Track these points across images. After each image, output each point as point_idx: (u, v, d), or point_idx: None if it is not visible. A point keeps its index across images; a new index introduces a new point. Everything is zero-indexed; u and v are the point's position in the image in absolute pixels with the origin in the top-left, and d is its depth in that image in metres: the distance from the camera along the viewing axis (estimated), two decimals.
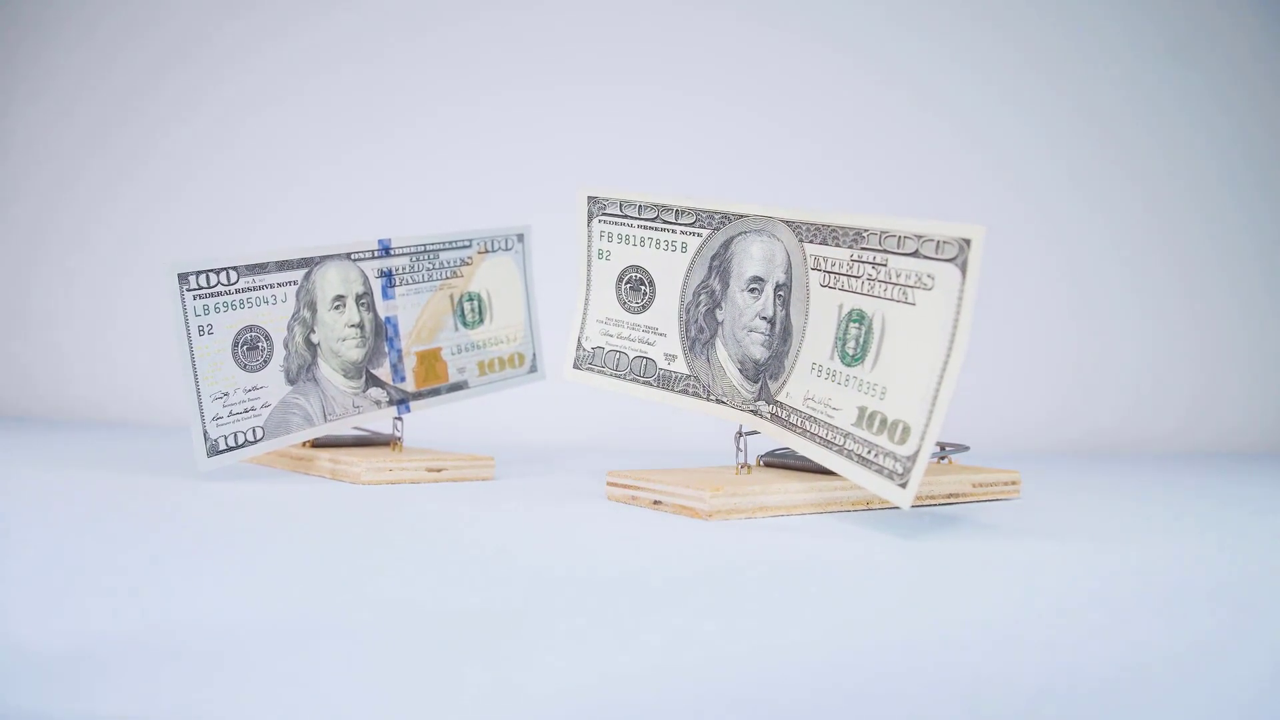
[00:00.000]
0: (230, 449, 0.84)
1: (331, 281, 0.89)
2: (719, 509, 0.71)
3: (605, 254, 0.82)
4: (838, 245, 0.69)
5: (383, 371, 0.92)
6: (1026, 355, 1.50)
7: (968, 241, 0.61)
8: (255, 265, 0.85)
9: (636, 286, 0.81)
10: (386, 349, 0.93)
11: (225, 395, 0.83)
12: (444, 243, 0.95)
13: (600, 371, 0.82)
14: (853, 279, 0.68)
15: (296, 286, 0.87)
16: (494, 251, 0.97)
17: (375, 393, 0.92)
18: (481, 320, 0.97)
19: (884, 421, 0.65)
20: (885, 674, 0.37)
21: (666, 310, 0.80)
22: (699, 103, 1.52)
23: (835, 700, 0.35)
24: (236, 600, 0.45)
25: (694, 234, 0.78)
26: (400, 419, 0.93)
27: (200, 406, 0.82)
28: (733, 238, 0.76)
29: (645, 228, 0.80)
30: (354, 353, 0.90)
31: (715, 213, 0.77)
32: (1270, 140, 1.56)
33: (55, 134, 1.64)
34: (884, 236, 0.66)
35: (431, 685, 0.35)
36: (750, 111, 1.52)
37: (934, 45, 1.53)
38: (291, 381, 0.87)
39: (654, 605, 0.46)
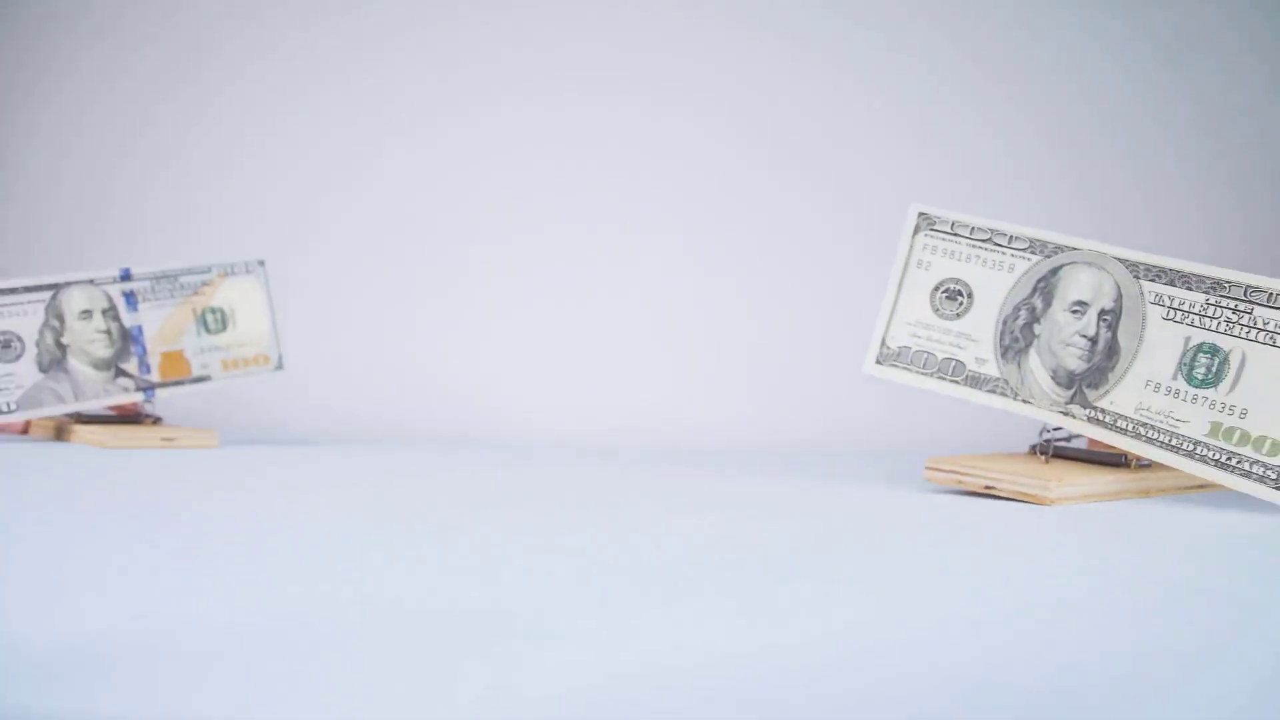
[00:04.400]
0: None
1: (76, 299, 1.10)
2: (1063, 496, 0.84)
3: (925, 264, 0.91)
4: (1188, 289, 0.84)
5: (130, 366, 1.13)
6: None
7: None
8: (5, 289, 1.08)
9: (953, 296, 0.91)
10: (134, 349, 1.12)
11: None
12: (183, 269, 1.15)
13: (906, 369, 0.92)
14: (1207, 318, 0.83)
15: (44, 304, 1.09)
16: (235, 275, 1.16)
17: (124, 381, 1.12)
18: (225, 328, 1.16)
19: (1245, 436, 0.81)
20: (885, 674, 0.37)
21: (983, 320, 0.90)
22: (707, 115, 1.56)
23: (834, 700, 0.34)
24: (236, 600, 0.45)
25: (1024, 258, 0.89)
26: (150, 401, 1.14)
27: None
28: (1062, 265, 0.89)
29: (975, 246, 0.90)
30: (103, 351, 1.10)
31: (1050, 243, 0.89)
32: (1268, 135, 1.59)
33: None
34: (1250, 290, 0.82)
35: (430, 685, 0.35)
36: (749, 123, 1.58)
37: (946, 44, 1.57)
38: (44, 371, 1.08)
39: (654, 604, 0.46)
